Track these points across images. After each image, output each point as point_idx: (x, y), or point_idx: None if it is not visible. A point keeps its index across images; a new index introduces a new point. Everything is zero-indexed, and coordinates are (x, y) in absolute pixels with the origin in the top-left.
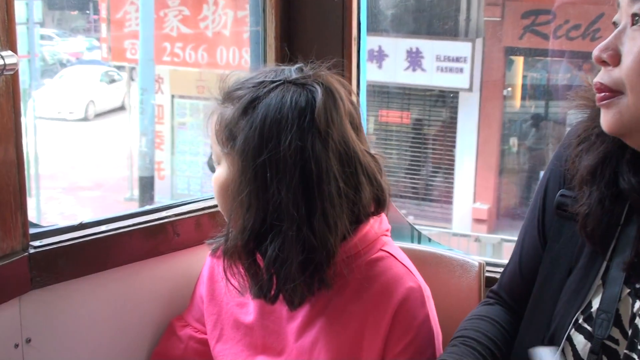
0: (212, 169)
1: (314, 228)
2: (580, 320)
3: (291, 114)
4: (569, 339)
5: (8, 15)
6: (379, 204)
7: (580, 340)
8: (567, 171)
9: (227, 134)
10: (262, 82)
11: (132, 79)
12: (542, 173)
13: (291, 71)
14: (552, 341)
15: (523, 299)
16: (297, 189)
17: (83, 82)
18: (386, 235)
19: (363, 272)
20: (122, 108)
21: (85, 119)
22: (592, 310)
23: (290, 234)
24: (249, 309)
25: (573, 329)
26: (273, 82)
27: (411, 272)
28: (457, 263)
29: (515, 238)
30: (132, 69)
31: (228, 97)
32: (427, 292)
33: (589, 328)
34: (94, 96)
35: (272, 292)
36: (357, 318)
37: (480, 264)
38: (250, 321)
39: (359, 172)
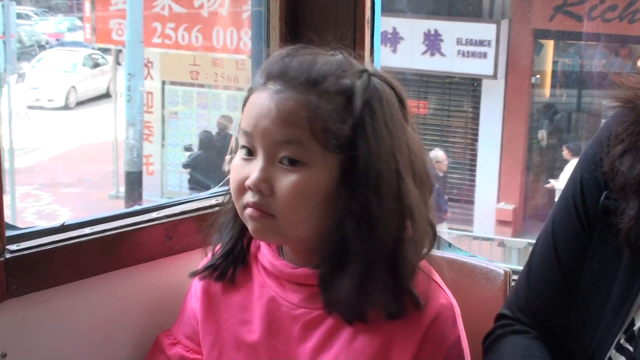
0: None
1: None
2: (622, 340)
3: (396, 110)
4: None
5: None
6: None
7: None
8: (604, 174)
9: (334, 133)
10: (345, 71)
11: (118, 63)
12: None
13: (352, 61)
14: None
15: (561, 315)
16: (411, 181)
17: (64, 67)
18: None
19: None
20: (107, 95)
21: (66, 107)
22: (635, 328)
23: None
24: (253, 327)
25: (614, 350)
26: (361, 72)
27: (441, 287)
28: (481, 271)
29: None
30: (119, 51)
31: (308, 84)
32: (457, 310)
33: (630, 348)
34: (76, 82)
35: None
36: (383, 336)
37: (506, 272)
38: (254, 340)
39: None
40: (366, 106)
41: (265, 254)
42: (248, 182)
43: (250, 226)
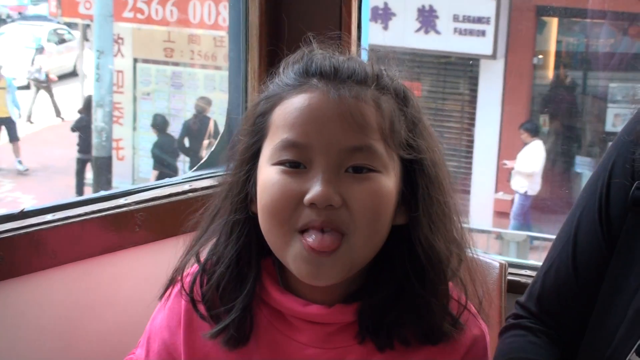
0: (186, 152)
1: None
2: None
3: None
4: None
5: None
6: None
7: None
8: (638, 164)
9: (398, 134)
10: (388, 72)
11: (86, 39)
12: (577, 159)
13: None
14: None
15: (573, 308)
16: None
17: (27, 42)
18: None
19: None
20: (73, 74)
21: (28, 86)
22: None
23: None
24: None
25: (634, 353)
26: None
27: (474, 315)
28: (475, 264)
29: (546, 235)
30: (87, 26)
31: (367, 82)
32: (488, 338)
33: None
34: (41, 59)
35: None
36: None
37: (501, 264)
38: None
39: None
40: (413, 107)
41: (268, 289)
42: (312, 198)
43: (307, 269)
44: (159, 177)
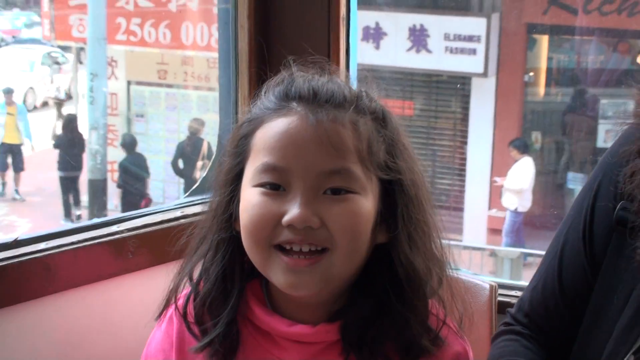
0: (180, 173)
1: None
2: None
3: None
4: None
5: None
6: None
7: None
8: (621, 185)
9: (375, 156)
10: (368, 94)
11: (79, 61)
12: (569, 175)
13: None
14: None
15: (559, 324)
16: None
17: (21, 66)
18: None
19: None
20: (67, 97)
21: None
22: None
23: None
24: None
25: (631, 356)
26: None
27: (455, 332)
28: (465, 285)
29: (539, 252)
30: (80, 49)
31: (345, 105)
32: (471, 355)
33: None
34: (34, 82)
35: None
36: None
37: (491, 286)
38: None
39: None
40: (393, 129)
41: (254, 310)
42: (290, 220)
43: (286, 279)
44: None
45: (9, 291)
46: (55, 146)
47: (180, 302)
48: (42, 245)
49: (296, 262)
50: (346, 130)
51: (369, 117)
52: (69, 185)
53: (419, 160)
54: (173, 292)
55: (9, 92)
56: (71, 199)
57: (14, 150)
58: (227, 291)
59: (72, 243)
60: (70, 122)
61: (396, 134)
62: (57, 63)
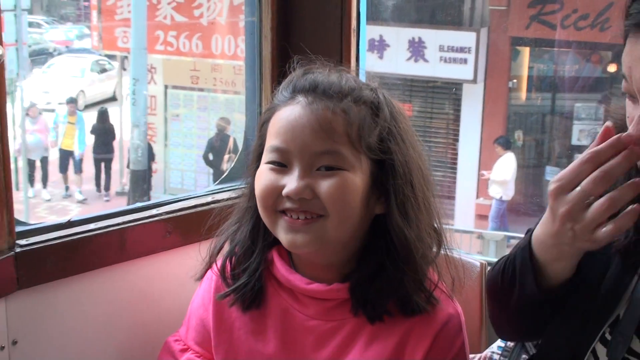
0: (210, 164)
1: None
2: (607, 334)
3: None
4: (594, 352)
5: None
6: None
7: (603, 354)
8: None
9: (367, 138)
10: (369, 86)
11: (123, 68)
12: (547, 169)
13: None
14: (576, 354)
15: None
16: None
17: (73, 72)
18: None
19: None
20: (113, 99)
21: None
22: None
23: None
24: (267, 337)
25: (598, 342)
26: (371, 89)
27: (449, 297)
28: (459, 263)
29: (521, 235)
30: (124, 58)
31: (342, 96)
32: (463, 318)
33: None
34: (85, 86)
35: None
36: (397, 340)
37: (482, 264)
38: (270, 351)
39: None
40: (392, 117)
41: (279, 268)
42: (287, 192)
43: (287, 237)
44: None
45: (62, 266)
46: (91, 132)
47: (219, 262)
48: (91, 226)
49: (294, 222)
50: (337, 116)
51: (363, 106)
52: (100, 165)
53: (418, 146)
54: (214, 254)
55: (72, 101)
56: (102, 177)
57: (72, 155)
58: (252, 249)
59: (118, 224)
60: (102, 114)
61: (391, 121)
62: (104, 70)
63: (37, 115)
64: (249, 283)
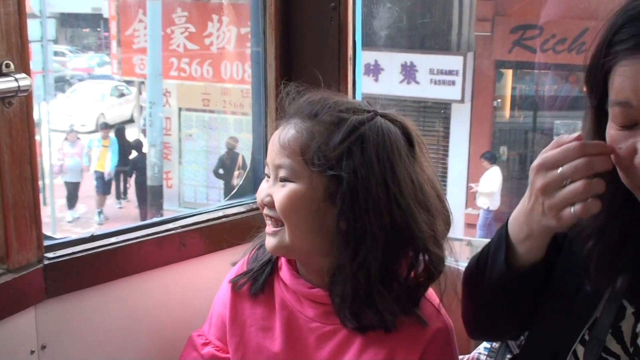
0: (221, 177)
1: (439, 246)
2: (586, 335)
3: (400, 146)
4: (574, 353)
5: (22, 40)
6: (447, 228)
7: (582, 354)
8: None
9: (322, 156)
10: (356, 109)
11: (140, 92)
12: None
13: (363, 103)
14: (557, 355)
15: None
16: (421, 213)
17: (94, 97)
18: None
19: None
20: (131, 120)
21: (96, 130)
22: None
23: (424, 252)
24: (275, 335)
25: (578, 344)
26: (367, 111)
27: (439, 312)
28: (447, 270)
29: None
30: (141, 83)
31: (309, 117)
32: (452, 331)
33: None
34: (105, 109)
35: (365, 319)
36: (388, 350)
37: None
38: (276, 349)
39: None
40: (358, 137)
41: (285, 272)
42: (257, 199)
43: (266, 241)
44: None
45: (87, 276)
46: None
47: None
48: (113, 239)
49: (268, 227)
50: (295, 135)
51: (324, 127)
52: (119, 176)
53: (400, 168)
54: (248, 250)
55: (106, 127)
56: (121, 187)
57: (101, 177)
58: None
59: (137, 237)
60: (119, 130)
61: (352, 141)
62: (122, 94)
63: (75, 140)
64: (260, 270)
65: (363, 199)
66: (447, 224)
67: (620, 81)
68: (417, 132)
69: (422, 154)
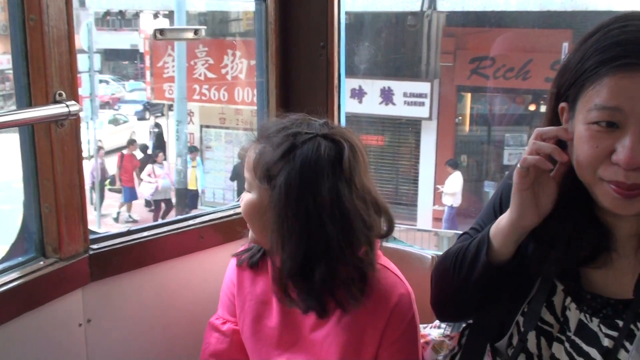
0: (235, 180)
1: (352, 254)
2: (526, 309)
3: (325, 164)
4: (517, 323)
5: (72, 73)
6: (389, 230)
7: (522, 323)
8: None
9: (264, 171)
10: (298, 132)
11: (170, 111)
12: (485, 182)
13: (319, 125)
14: (504, 324)
15: None
16: (337, 224)
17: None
18: (378, 249)
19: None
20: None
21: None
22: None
23: (334, 260)
24: (272, 312)
25: (520, 315)
26: (307, 133)
27: (401, 279)
28: (414, 257)
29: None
30: (170, 105)
31: (266, 138)
32: (412, 296)
33: None
34: (136, 129)
35: (323, 306)
36: (361, 316)
37: (432, 257)
38: (273, 324)
39: (373, 208)
40: (291, 157)
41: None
42: None
43: None
44: None
45: (123, 263)
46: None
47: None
48: (145, 234)
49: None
50: (255, 154)
51: (271, 147)
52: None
53: (314, 183)
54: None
55: (194, 151)
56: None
57: (193, 194)
58: None
59: (164, 232)
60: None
61: (286, 161)
62: (119, 122)
63: (162, 161)
64: (258, 248)
65: (287, 208)
66: (388, 223)
67: (613, 90)
68: (357, 148)
69: (356, 167)
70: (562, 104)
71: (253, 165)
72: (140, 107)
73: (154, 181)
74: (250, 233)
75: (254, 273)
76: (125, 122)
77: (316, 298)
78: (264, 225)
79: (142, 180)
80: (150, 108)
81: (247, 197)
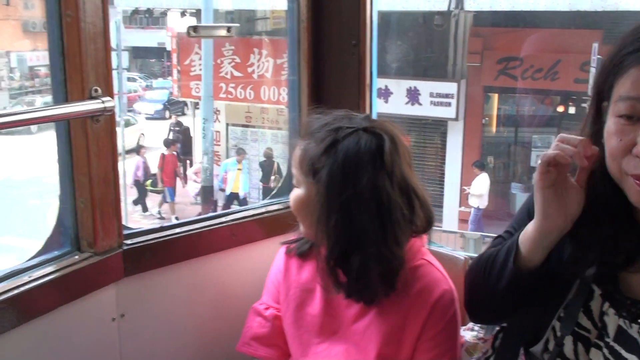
0: (261, 180)
1: (389, 246)
2: (562, 313)
3: (366, 157)
4: (553, 328)
5: (107, 70)
6: (429, 224)
7: (558, 329)
8: None
9: (310, 167)
10: (340, 127)
11: (196, 108)
12: (512, 184)
13: (360, 119)
14: (540, 328)
15: None
16: (375, 217)
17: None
18: (424, 247)
19: (409, 275)
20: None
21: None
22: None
23: (371, 251)
24: (315, 301)
25: (556, 320)
26: (349, 128)
27: (445, 277)
28: (447, 258)
29: (493, 234)
30: (196, 103)
31: (310, 135)
32: (455, 295)
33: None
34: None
35: (357, 293)
36: (402, 310)
37: (465, 258)
38: (315, 312)
39: (415, 201)
40: (333, 152)
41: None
42: None
43: None
44: None
45: (156, 259)
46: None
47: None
48: (177, 230)
49: None
50: (300, 150)
51: (315, 143)
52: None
53: (355, 176)
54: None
55: (241, 152)
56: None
57: (237, 197)
58: None
59: (197, 229)
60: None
61: (328, 155)
62: (184, 114)
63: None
64: (303, 243)
65: (330, 200)
66: (427, 218)
67: (636, 79)
68: (399, 141)
69: (397, 159)
70: (604, 103)
71: (299, 161)
72: (160, 106)
73: (199, 180)
74: (301, 227)
75: (301, 261)
76: (133, 124)
77: (364, 284)
78: (311, 218)
79: (188, 178)
80: (170, 107)
81: (295, 192)
